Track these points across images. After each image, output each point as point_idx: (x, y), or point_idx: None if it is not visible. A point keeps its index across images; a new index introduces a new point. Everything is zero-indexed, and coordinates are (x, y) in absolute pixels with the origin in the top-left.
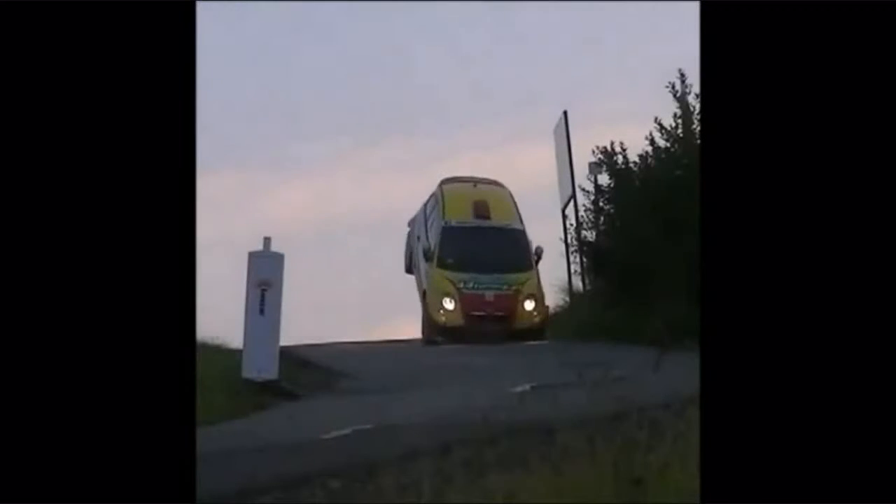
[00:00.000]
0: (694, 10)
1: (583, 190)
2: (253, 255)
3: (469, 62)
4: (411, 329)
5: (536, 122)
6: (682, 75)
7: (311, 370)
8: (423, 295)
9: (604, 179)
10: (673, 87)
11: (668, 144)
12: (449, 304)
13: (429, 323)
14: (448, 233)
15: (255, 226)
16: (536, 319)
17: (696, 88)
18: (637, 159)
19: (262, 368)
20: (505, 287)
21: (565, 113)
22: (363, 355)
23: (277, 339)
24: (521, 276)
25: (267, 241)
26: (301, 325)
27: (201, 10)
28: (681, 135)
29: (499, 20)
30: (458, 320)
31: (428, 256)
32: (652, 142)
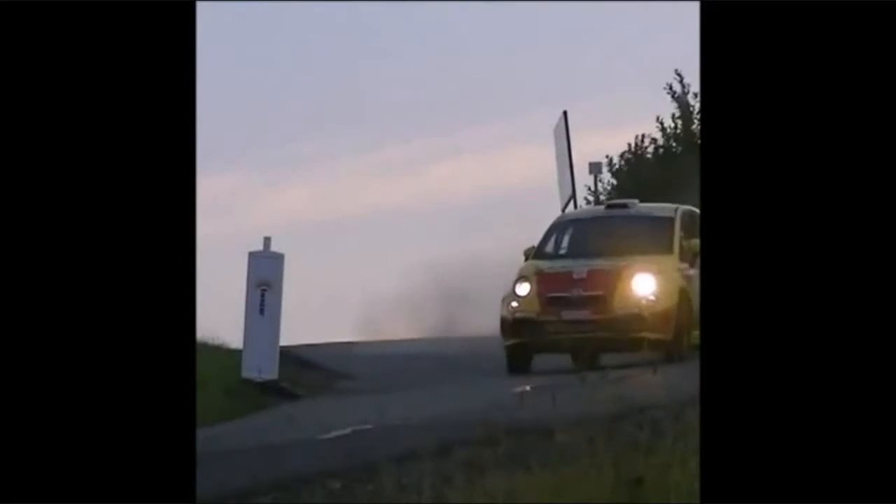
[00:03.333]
0: (694, 10)
1: (589, 190)
2: (253, 255)
3: (469, 62)
4: (411, 329)
5: (536, 122)
6: (680, 76)
7: (310, 370)
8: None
9: (604, 179)
10: (671, 87)
11: (668, 144)
12: (523, 289)
13: (502, 330)
14: (560, 227)
15: (255, 226)
16: (652, 311)
17: (695, 88)
18: (637, 159)
19: (262, 368)
20: (604, 262)
21: (565, 113)
22: (363, 355)
23: (277, 339)
24: (647, 257)
25: (267, 241)
26: (301, 325)
27: (201, 10)
28: (680, 134)
29: (499, 20)
30: (533, 309)
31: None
32: (652, 141)
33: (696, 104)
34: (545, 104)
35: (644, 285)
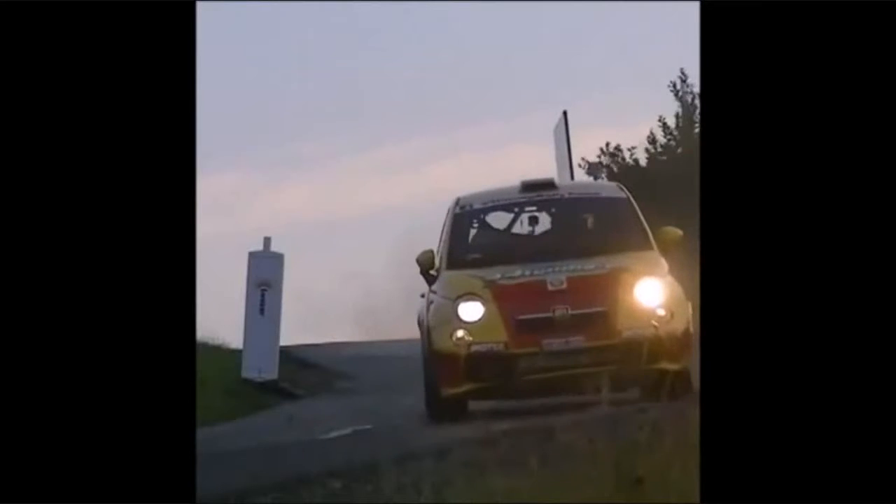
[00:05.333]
0: (694, 10)
1: None
2: (253, 255)
3: (468, 61)
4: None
5: (536, 121)
6: (684, 75)
7: (310, 370)
8: (426, 336)
9: (604, 179)
10: (674, 86)
11: (670, 143)
12: (471, 311)
13: (430, 374)
14: (464, 220)
15: (255, 226)
16: (669, 332)
17: (696, 88)
18: (637, 159)
19: (262, 368)
20: (592, 267)
21: (565, 113)
22: (363, 355)
23: (277, 339)
24: (630, 254)
25: (267, 241)
26: (301, 325)
27: (201, 10)
28: (681, 134)
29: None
30: (498, 338)
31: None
32: (653, 141)
33: (696, 104)
34: (545, 104)
35: (652, 295)
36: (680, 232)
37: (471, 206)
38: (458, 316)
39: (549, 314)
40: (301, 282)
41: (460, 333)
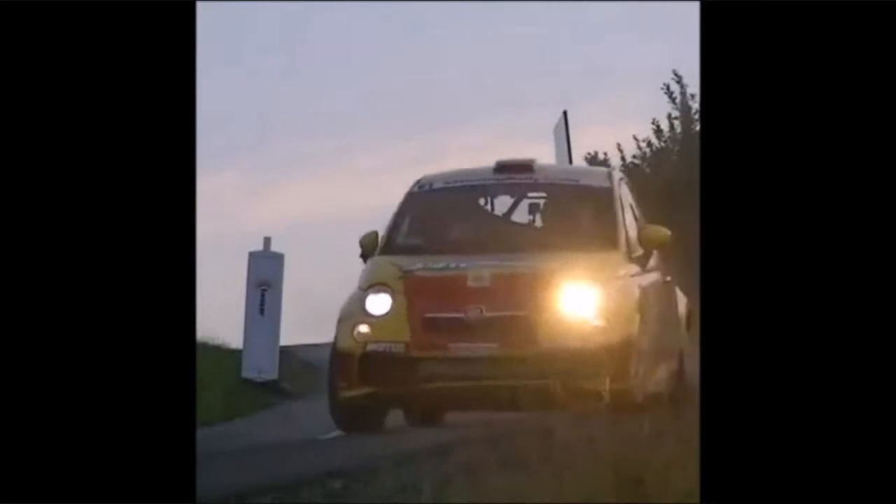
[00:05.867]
0: (694, 10)
1: None
2: (253, 255)
3: (468, 61)
4: None
5: (536, 122)
6: (678, 76)
7: (310, 370)
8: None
9: None
10: (668, 88)
11: (665, 145)
12: (379, 304)
13: (329, 373)
14: (421, 202)
15: (255, 226)
16: (603, 345)
17: (692, 89)
18: (634, 160)
19: (262, 368)
20: (526, 264)
21: (565, 113)
22: None
23: (277, 339)
24: (584, 253)
25: (267, 241)
26: (301, 325)
27: (201, 10)
28: (678, 136)
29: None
30: (399, 338)
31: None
32: (649, 143)
33: (693, 105)
34: (545, 104)
35: (587, 302)
36: (666, 232)
37: (430, 185)
38: (364, 309)
39: (461, 314)
40: (301, 282)
41: (363, 329)
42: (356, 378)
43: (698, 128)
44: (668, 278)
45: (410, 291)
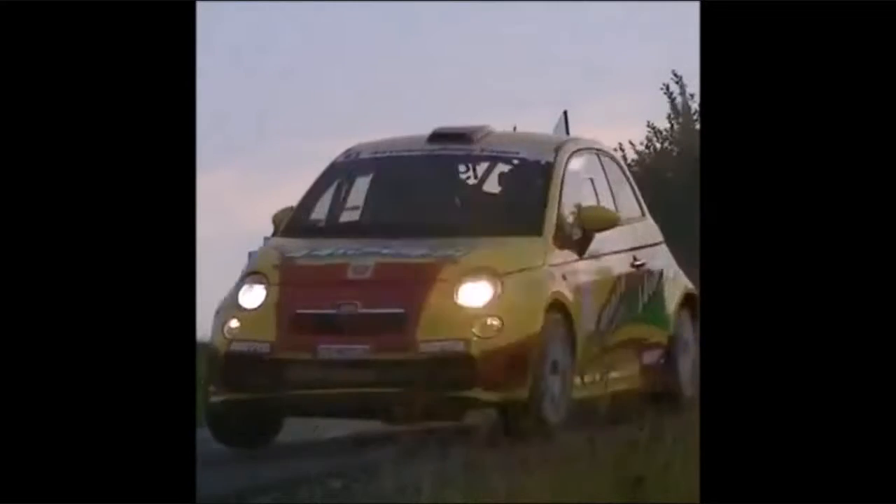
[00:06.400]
0: (694, 10)
1: None
2: (253, 255)
3: (468, 61)
4: None
5: (536, 122)
6: (678, 76)
7: None
8: None
9: None
10: (668, 88)
11: (664, 146)
12: (251, 296)
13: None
14: (338, 172)
15: (255, 225)
16: (490, 350)
17: (691, 89)
18: (634, 160)
19: None
20: (418, 253)
21: (565, 113)
22: None
23: None
24: (494, 239)
25: (267, 240)
26: None
27: (201, 10)
28: (677, 136)
29: (498, 19)
30: (265, 336)
31: None
32: (648, 144)
33: (693, 105)
34: (545, 104)
35: (479, 296)
36: (611, 212)
37: (357, 155)
38: (237, 301)
39: (334, 310)
40: None
41: (233, 324)
42: (221, 382)
43: (698, 127)
44: (641, 262)
45: (285, 283)
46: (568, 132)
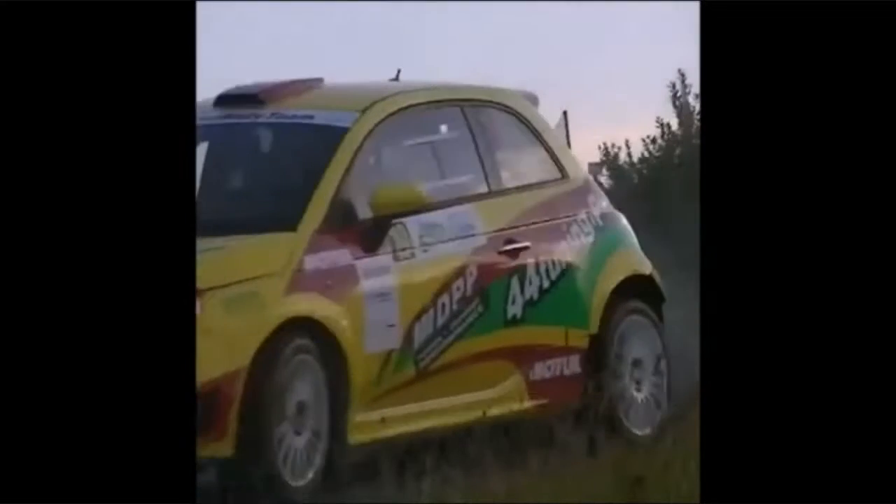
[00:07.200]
0: (694, 10)
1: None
2: None
3: (468, 61)
4: None
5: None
6: (682, 76)
7: None
8: None
9: (604, 179)
10: (673, 87)
11: (668, 144)
12: None
13: None
14: None
15: None
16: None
17: (696, 89)
18: (637, 159)
19: None
20: None
21: (565, 113)
22: None
23: None
24: (211, 242)
25: None
26: None
27: (201, 10)
28: (680, 135)
29: (498, 19)
30: None
31: None
32: (652, 141)
33: (696, 105)
34: (545, 104)
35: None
36: (409, 189)
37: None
38: None
39: None
40: None
41: None
42: None
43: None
44: (524, 244)
45: None
46: (568, 132)
